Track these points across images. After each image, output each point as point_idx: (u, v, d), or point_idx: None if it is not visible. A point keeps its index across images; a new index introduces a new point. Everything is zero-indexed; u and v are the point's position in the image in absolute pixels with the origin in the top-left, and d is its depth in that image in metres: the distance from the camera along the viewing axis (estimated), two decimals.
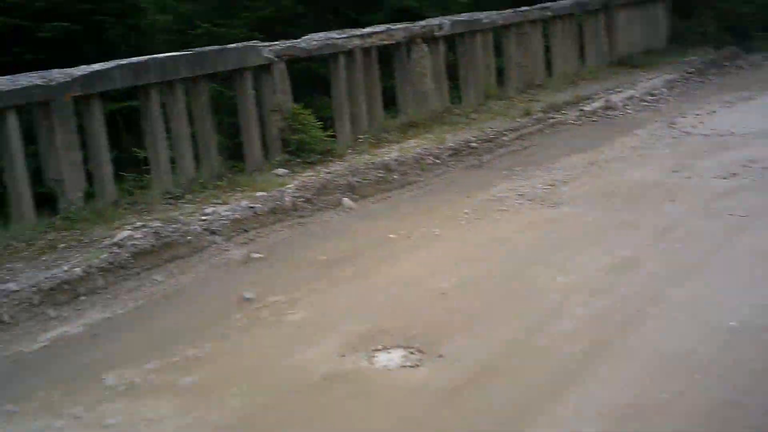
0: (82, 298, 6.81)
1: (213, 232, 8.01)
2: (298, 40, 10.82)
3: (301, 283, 7.13)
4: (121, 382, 5.58)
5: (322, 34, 11.15)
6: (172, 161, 9.33)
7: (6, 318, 6.30)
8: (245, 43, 10.36)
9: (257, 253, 7.85)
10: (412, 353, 5.74)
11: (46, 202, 8.45)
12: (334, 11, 14.56)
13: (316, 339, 6.05)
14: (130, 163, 9.16)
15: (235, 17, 13.72)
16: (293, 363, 5.74)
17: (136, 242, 7.45)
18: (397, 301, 6.65)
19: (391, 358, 5.72)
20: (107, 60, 9.29)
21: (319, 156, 10.31)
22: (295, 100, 10.64)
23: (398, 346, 5.84)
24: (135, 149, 9.12)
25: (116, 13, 13.59)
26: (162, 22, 14.65)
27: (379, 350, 5.81)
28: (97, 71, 8.68)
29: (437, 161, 10.64)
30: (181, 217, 8.11)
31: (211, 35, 13.04)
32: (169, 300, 6.92)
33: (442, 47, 12.93)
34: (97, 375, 5.67)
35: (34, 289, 6.60)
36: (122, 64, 8.90)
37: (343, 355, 5.77)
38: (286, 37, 11.17)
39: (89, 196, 8.54)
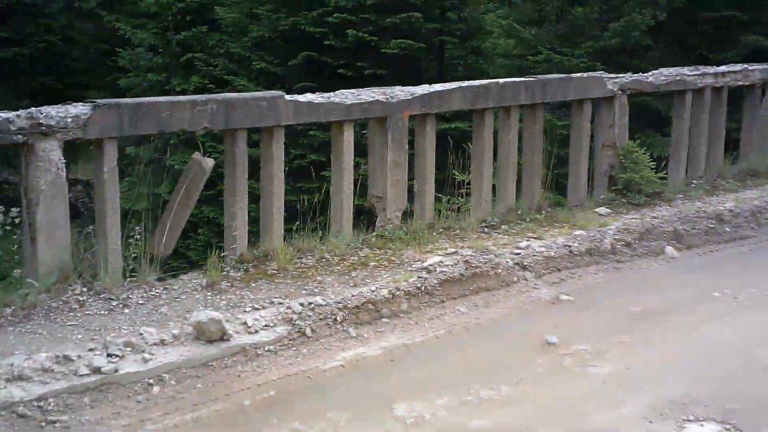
0: (384, 320, 6.75)
1: (524, 268, 7.75)
2: (646, 75, 10.33)
3: (609, 333, 6.71)
4: (410, 414, 5.44)
5: (672, 70, 10.59)
6: (493, 187, 9.16)
7: (308, 332, 6.34)
8: (590, 74, 10.00)
9: (567, 295, 7.49)
10: (728, 429, 5.24)
11: (361, 216, 8.54)
12: (682, 46, 13.88)
13: (620, 398, 5.64)
14: (449, 185, 9.07)
15: (577, 46, 13.41)
16: (594, 423, 5.37)
17: (445, 269, 7.32)
18: (716, 368, 6.08)
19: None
20: (443, 79, 9.27)
21: (646, 198, 9.78)
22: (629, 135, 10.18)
23: (712, 420, 5.34)
24: (454, 172, 9.02)
25: (461, 34, 13.76)
26: (504, 46, 14.65)
27: (690, 421, 5.34)
28: (438, 92, 8.65)
29: None
30: (494, 248, 7.91)
31: (550, 62, 12.84)
32: (470, 333, 6.72)
33: None
34: (387, 403, 5.57)
35: (339, 305, 6.62)
36: (463, 87, 8.84)
37: (650, 422, 5.33)
38: (626, 69, 10.73)
39: (406, 215, 8.54)
